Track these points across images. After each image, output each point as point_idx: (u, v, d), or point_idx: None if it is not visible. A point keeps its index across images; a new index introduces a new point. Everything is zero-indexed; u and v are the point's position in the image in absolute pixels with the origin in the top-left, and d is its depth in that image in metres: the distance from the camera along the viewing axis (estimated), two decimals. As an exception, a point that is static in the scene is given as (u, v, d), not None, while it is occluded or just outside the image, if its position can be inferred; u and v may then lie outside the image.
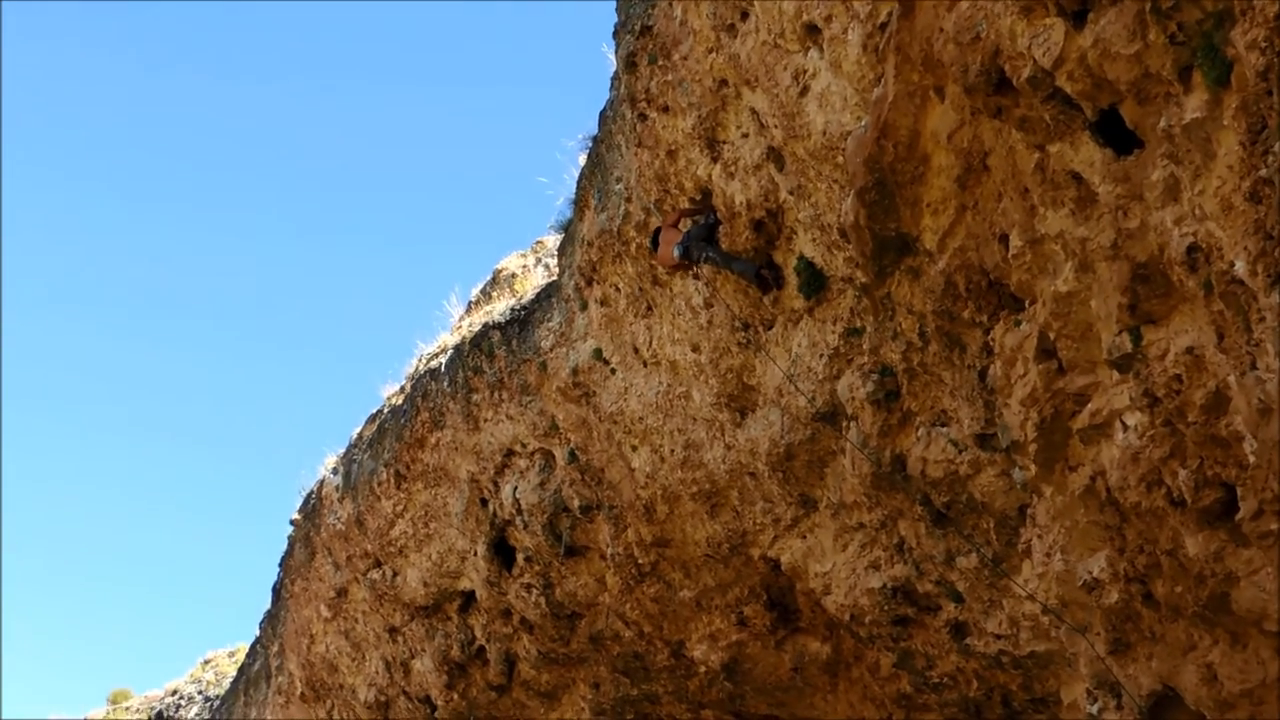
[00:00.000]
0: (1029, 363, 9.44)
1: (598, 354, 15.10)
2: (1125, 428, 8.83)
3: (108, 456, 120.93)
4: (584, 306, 15.10)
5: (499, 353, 16.81)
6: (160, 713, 37.83)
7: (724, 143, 11.95)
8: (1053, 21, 7.82)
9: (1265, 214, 6.67)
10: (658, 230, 13.07)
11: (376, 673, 21.99)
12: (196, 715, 36.31)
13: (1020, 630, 12.43)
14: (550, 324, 15.90)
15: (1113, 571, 9.66)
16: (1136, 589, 9.53)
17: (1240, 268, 7.01)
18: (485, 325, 17.44)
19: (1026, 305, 9.38)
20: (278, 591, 25.80)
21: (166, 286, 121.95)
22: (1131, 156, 7.81)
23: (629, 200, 13.58)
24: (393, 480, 19.48)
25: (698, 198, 12.58)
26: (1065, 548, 10.16)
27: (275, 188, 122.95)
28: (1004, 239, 9.20)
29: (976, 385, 10.38)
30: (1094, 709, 10.84)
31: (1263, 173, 6.60)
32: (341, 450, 22.04)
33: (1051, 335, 9.12)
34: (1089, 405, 9.16)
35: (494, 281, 20.24)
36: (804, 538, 14.20)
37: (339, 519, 21.26)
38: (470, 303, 20.32)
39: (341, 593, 21.97)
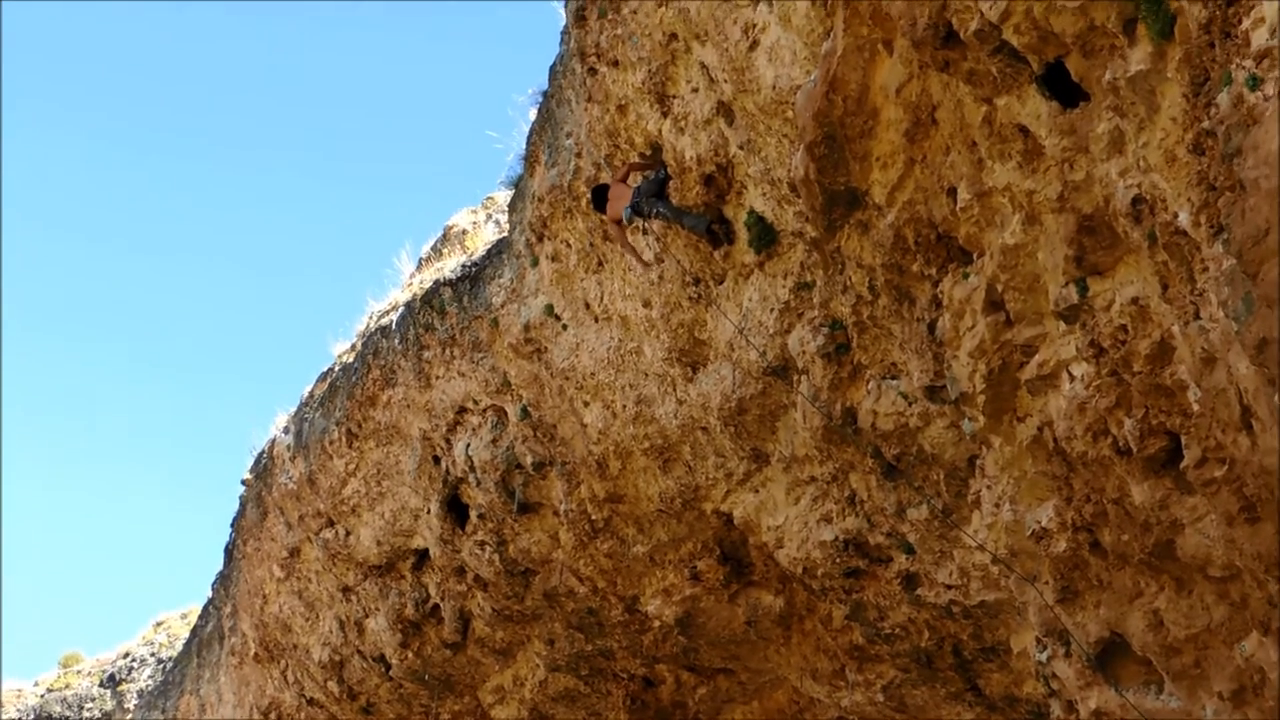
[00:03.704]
0: (977, 315, 9.51)
1: (549, 310, 15.09)
2: (1072, 378, 8.93)
3: (56, 419, 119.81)
4: (535, 262, 15.08)
5: (450, 309, 16.77)
6: (112, 675, 37.71)
7: (674, 97, 11.93)
8: (999, -26, 7.83)
9: (1208, 165, 6.73)
10: (599, 187, 13.04)
11: (330, 632, 21.98)
12: (149, 677, 36.24)
13: (970, 580, 12.57)
14: (501, 280, 15.86)
15: (1060, 521, 9.78)
16: (1084, 538, 9.65)
17: (1184, 219, 7.08)
18: (436, 282, 17.39)
19: (975, 258, 9.44)
20: (230, 552, 25.72)
21: (123, 235, 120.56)
22: (1077, 109, 7.86)
23: (579, 155, 13.55)
24: (344, 439, 19.44)
25: (648, 152, 12.56)
26: (1014, 498, 10.27)
27: (227, 142, 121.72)
28: (952, 192, 9.25)
29: (925, 338, 10.44)
30: (1043, 657, 10.98)
31: (1205, 124, 6.65)
32: (293, 409, 21.95)
33: (999, 287, 9.19)
34: (1036, 356, 9.25)
35: (445, 238, 20.18)
36: (756, 492, 14.28)
37: (291, 478, 21.21)
38: (421, 259, 20.26)
39: (294, 552, 21.94)
